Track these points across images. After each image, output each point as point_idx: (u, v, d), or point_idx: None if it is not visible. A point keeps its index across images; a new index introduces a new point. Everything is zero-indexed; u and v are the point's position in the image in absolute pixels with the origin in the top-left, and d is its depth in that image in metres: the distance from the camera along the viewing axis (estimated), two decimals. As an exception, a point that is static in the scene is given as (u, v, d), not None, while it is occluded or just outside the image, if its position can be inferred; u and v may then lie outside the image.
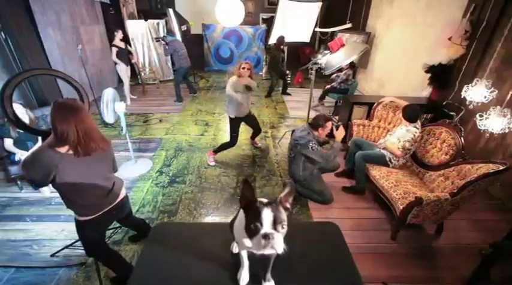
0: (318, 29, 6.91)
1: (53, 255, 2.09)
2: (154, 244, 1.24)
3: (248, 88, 3.03)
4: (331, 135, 2.74)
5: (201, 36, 7.49)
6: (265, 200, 0.82)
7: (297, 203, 2.71)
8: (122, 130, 2.95)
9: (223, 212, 2.61)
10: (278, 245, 0.76)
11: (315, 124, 2.52)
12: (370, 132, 3.33)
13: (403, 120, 2.59)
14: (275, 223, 0.76)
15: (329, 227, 1.37)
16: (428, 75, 3.57)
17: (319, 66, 3.53)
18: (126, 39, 5.21)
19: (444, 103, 3.50)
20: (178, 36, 6.49)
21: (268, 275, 1.02)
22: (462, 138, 2.37)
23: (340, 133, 2.58)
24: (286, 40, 5.75)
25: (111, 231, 2.24)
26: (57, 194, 1.44)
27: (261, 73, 7.69)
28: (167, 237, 1.27)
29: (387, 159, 2.63)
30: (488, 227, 2.48)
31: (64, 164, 1.31)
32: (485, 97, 2.30)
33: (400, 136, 2.56)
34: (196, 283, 1.07)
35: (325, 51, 3.70)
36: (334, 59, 3.44)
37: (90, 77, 4.39)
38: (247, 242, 0.82)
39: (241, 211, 0.91)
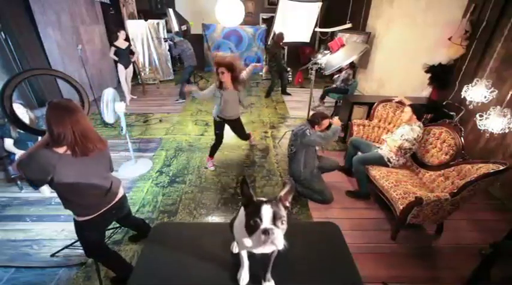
0: (318, 29, 6.91)
1: (53, 255, 2.09)
2: (154, 244, 1.23)
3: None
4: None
5: (201, 36, 7.49)
6: (265, 199, 0.82)
7: (297, 203, 2.71)
8: (122, 130, 2.95)
9: (223, 212, 2.61)
10: (278, 241, 0.76)
11: (312, 121, 2.60)
12: (370, 132, 3.33)
13: (409, 119, 2.59)
14: (275, 218, 0.77)
15: (329, 227, 1.37)
16: (428, 75, 3.57)
17: (319, 66, 3.54)
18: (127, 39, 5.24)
19: (444, 103, 3.50)
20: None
21: (268, 275, 1.02)
22: (462, 138, 2.36)
23: (336, 122, 2.63)
24: (287, 40, 5.74)
25: (111, 231, 2.24)
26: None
27: (261, 73, 7.70)
28: (167, 237, 1.27)
29: (386, 159, 2.63)
30: (488, 227, 2.48)
31: (62, 164, 1.31)
32: (485, 97, 2.30)
33: (403, 133, 2.57)
34: (196, 283, 1.07)
35: (325, 51, 3.71)
36: (334, 59, 3.45)
37: (90, 77, 4.40)
38: (247, 241, 0.82)
39: (241, 210, 0.91)
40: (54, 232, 2.31)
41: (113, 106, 2.74)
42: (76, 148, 1.32)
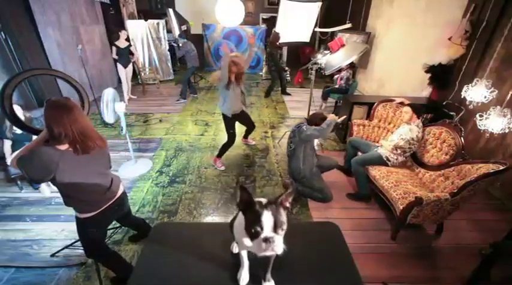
0: (318, 29, 6.91)
1: (53, 255, 2.09)
2: (154, 244, 1.24)
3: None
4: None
5: (201, 36, 7.49)
6: (264, 201, 0.82)
7: (297, 203, 2.70)
8: (122, 130, 2.95)
9: (223, 212, 2.61)
10: (278, 247, 0.77)
11: (310, 121, 2.62)
12: (370, 132, 3.33)
13: (410, 119, 2.59)
14: (275, 226, 0.77)
15: (329, 227, 1.37)
16: (428, 75, 3.57)
17: (319, 66, 3.54)
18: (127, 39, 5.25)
19: (444, 103, 3.50)
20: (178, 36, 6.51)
21: (268, 275, 1.02)
22: (462, 138, 2.36)
23: (331, 116, 2.63)
24: (287, 40, 5.73)
25: (111, 231, 2.24)
26: (57, 194, 1.44)
27: (261, 73, 7.69)
28: (167, 237, 1.27)
29: (384, 158, 2.64)
30: (488, 227, 2.48)
31: (64, 161, 1.32)
32: (485, 97, 2.29)
33: (402, 132, 2.57)
34: (196, 283, 1.07)
35: (325, 51, 3.71)
36: (334, 59, 3.44)
37: (90, 77, 4.40)
38: (247, 241, 0.82)
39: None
40: (54, 232, 2.31)
41: (113, 106, 2.74)
42: (77, 145, 1.33)
